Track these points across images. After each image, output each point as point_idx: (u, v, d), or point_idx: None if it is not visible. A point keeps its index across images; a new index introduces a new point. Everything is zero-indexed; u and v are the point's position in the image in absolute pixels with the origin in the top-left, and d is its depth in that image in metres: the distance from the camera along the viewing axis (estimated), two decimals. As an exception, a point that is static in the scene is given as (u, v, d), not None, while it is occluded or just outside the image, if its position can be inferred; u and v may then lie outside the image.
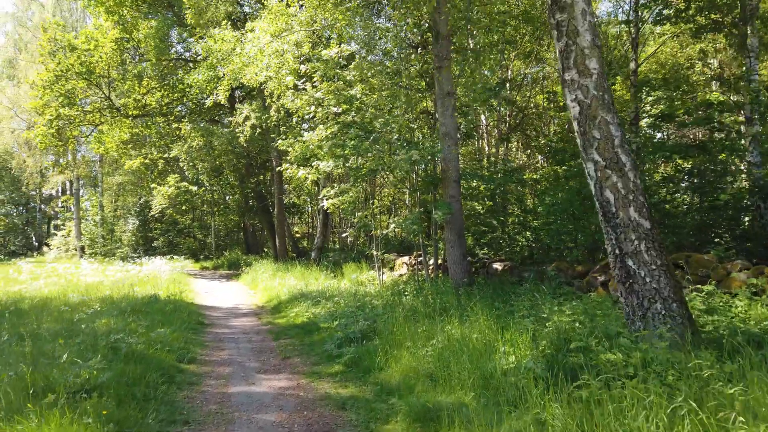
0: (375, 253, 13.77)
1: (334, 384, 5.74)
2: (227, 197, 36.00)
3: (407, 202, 23.04)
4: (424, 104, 13.61)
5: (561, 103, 17.64)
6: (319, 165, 11.71)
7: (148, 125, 24.99)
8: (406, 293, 10.55)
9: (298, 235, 37.53)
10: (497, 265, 11.63)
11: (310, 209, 41.12)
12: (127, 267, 20.18)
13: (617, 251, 5.32)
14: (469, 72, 12.30)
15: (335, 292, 12.24)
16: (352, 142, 10.85)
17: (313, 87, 12.09)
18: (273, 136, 14.61)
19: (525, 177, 13.74)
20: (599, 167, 5.33)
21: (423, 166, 12.83)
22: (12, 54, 36.24)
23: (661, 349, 4.41)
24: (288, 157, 14.28)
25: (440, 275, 12.67)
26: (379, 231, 13.51)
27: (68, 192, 41.36)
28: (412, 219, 10.76)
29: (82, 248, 35.99)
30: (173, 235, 33.84)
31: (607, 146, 5.31)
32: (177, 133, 24.17)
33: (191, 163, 21.56)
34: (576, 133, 5.56)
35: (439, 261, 12.93)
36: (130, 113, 23.89)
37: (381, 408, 4.88)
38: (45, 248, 41.07)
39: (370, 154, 10.69)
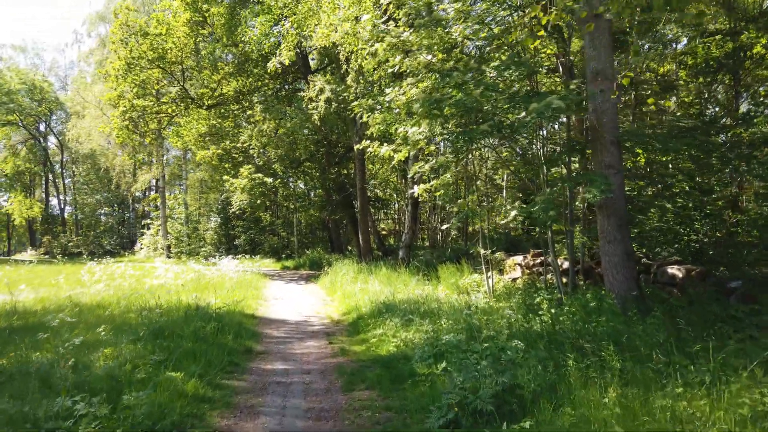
0: (482, 251, 10.40)
1: None
2: (311, 192, 34.06)
3: (503, 190, 19.25)
4: (550, 50, 10.02)
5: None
6: (407, 132, 8.56)
7: (224, 115, 23.26)
8: (541, 312, 7.10)
9: (384, 233, 34.78)
10: (674, 270, 7.83)
11: (396, 205, 38.31)
12: (199, 267, 18.27)
13: None
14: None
15: (433, 305, 9.03)
16: (458, 95, 7.59)
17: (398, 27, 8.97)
18: (352, 101, 11.67)
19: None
20: None
21: (547, 128, 9.30)
22: (103, 55, 36.58)
23: None
24: (369, 132, 11.31)
25: (581, 282, 9.08)
26: (486, 222, 10.11)
27: (158, 191, 41.58)
28: (544, 202, 7.26)
29: (168, 247, 35.60)
30: (255, 233, 32.29)
31: None
32: (251, 120, 22.21)
33: (262, 150, 19.27)
34: None
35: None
36: (205, 103, 22.26)
37: None
38: (137, 247, 41.52)
39: (484, 107, 7.35)
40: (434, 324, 7.51)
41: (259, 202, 20.95)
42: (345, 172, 26.42)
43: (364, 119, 10.91)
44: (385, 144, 10.47)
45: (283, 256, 30.36)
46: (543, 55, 11.09)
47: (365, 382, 5.61)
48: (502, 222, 8.18)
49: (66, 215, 49.06)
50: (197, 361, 5.86)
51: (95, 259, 19.87)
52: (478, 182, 10.10)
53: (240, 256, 22.46)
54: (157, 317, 8.19)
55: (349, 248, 28.95)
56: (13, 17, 76.32)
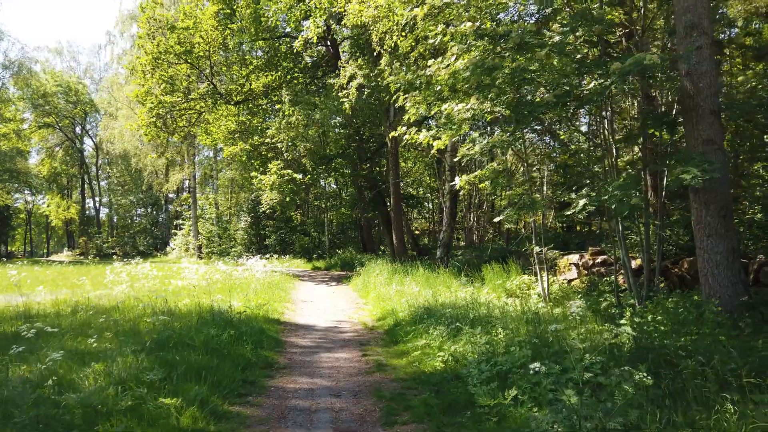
0: (536, 249, 9.09)
1: None
2: (342, 191, 33.16)
3: (543, 184, 17.53)
4: (616, 17, 8.62)
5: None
6: (452, 109, 7.34)
7: (253, 111, 22.47)
8: (623, 322, 5.78)
9: (417, 232, 33.54)
10: (785, 270, 6.39)
11: (430, 204, 36.96)
12: (226, 268, 17.41)
13: None
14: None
15: (481, 311, 7.79)
16: (513, 65, 6.36)
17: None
18: (386, 85, 10.58)
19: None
20: None
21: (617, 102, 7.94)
22: (134, 55, 36.53)
23: None
24: (405, 117, 10.14)
25: (661, 285, 7.70)
26: (541, 216, 8.80)
27: (189, 191, 41.39)
28: (620, 188, 5.92)
29: (200, 247, 35.22)
30: (285, 233, 31.50)
31: None
32: (280, 115, 21.37)
33: (290, 143, 18.31)
34: None
35: (630, 260, 7.90)
36: (233, 99, 21.54)
37: None
38: (169, 247, 41.41)
39: (543, 78, 6.10)
40: (488, 334, 6.27)
41: (288, 199, 20.01)
42: (377, 169, 25.36)
43: (400, 102, 9.76)
44: (423, 130, 9.33)
45: (314, 256, 29.49)
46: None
47: (410, 411, 4.43)
48: (568, 214, 6.92)
49: (103, 216, 49.56)
50: (204, 380, 4.79)
51: (125, 260, 19.39)
52: (533, 172, 8.79)
53: (270, 256, 21.61)
54: (165, 323, 7.21)
55: (382, 248, 27.89)
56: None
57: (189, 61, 20.51)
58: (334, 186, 34.40)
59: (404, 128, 9.64)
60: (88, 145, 49.66)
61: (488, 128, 12.93)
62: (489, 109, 7.28)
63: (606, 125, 7.74)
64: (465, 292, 10.57)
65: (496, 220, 8.49)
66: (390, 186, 19.44)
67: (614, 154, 7.61)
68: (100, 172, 48.97)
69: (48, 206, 47.68)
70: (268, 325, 8.55)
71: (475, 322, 6.96)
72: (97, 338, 6.63)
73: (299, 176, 19.58)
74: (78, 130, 47.71)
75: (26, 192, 50.01)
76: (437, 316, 7.79)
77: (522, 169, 8.71)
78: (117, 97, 38.22)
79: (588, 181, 7.72)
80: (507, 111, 7.14)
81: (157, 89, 21.23)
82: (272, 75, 20.83)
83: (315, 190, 32.95)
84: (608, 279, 9.41)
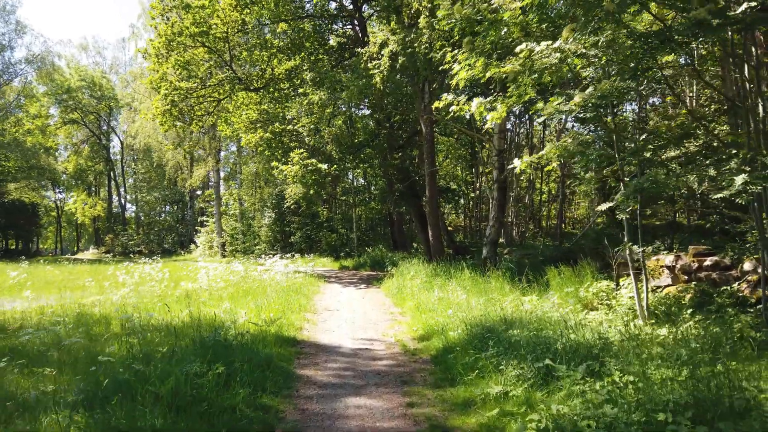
0: (635, 248, 6.80)
1: None
2: (371, 185, 31.20)
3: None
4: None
5: None
6: (532, 50, 5.18)
7: (276, 98, 20.62)
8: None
9: (450, 228, 31.29)
10: None
11: (461, 200, 34.63)
12: (243, 269, 15.54)
13: None
14: None
15: (571, 337, 5.58)
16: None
17: None
18: (427, 50, 8.49)
19: None
20: None
21: None
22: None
23: None
24: (453, 82, 8.00)
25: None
26: (638, 204, 6.51)
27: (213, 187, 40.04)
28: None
29: (223, 245, 33.77)
30: (311, 230, 29.67)
31: None
32: (303, 100, 19.45)
33: (312, 127, 16.33)
34: None
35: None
36: (253, 85, 19.76)
37: None
38: (193, 245, 40.18)
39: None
40: (600, 379, 4.12)
41: (312, 192, 18.07)
42: (408, 161, 23.26)
43: (448, 58, 7.66)
44: (475, 99, 7.21)
45: (342, 254, 27.58)
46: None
47: None
48: (720, 196, 4.76)
49: (130, 214, 48.79)
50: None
51: (143, 259, 17.84)
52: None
53: (292, 255, 19.75)
54: (136, 353, 5.31)
55: (415, 245, 25.77)
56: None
57: (206, 44, 18.78)
58: (363, 181, 32.51)
59: (450, 97, 7.55)
60: (115, 142, 49.02)
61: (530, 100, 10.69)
62: (582, 50, 5.11)
63: (746, 72, 5.45)
64: (528, 302, 8.42)
65: (603, 207, 6.24)
66: (424, 177, 17.32)
67: (761, 112, 5.33)
68: (125, 168, 48.18)
69: (74, 203, 47.11)
70: (279, 348, 6.55)
71: (571, 354, 4.79)
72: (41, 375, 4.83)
73: (324, 166, 17.61)
74: (104, 126, 46.99)
75: (56, 190, 49.66)
76: (505, 342, 5.64)
77: (615, 140, 6.49)
78: (138, 90, 37.09)
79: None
80: (611, 53, 4.96)
81: (173, 75, 19.67)
82: (296, 59, 19.00)
83: (342, 184, 31.08)
84: (728, 289, 7.10)
